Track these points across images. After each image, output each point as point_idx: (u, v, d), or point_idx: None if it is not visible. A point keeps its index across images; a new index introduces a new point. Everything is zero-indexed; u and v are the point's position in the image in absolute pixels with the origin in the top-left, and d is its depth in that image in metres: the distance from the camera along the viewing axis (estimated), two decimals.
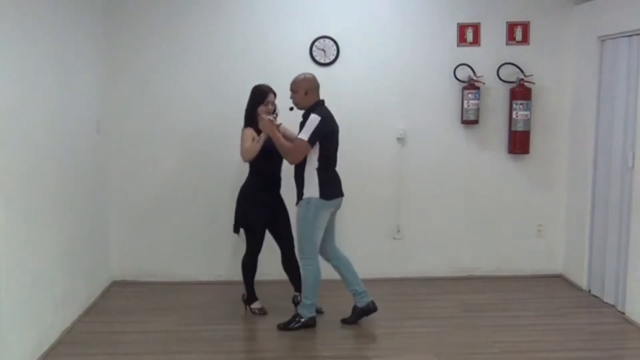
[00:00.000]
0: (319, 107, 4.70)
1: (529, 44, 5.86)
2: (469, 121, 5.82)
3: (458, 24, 5.84)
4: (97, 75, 5.54)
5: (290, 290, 5.20)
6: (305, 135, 4.56)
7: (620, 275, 5.11)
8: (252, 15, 5.78)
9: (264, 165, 4.95)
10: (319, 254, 4.83)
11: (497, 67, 5.81)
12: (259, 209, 5.03)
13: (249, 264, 5.16)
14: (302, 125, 4.68)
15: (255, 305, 5.19)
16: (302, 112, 4.80)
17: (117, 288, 5.82)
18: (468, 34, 5.84)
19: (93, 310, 5.24)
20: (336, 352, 4.50)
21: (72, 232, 4.96)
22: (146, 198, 5.92)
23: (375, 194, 5.97)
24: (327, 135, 4.64)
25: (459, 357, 4.47)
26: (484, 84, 5.79)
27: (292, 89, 4.79)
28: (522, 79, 5.76)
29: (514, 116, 5.77)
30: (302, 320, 4.80)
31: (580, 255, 5.71)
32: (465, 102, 5.77)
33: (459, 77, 5.82)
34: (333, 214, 4.85)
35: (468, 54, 5.83)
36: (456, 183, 6.00)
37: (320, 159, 4.66)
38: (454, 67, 5.79)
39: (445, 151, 5.95)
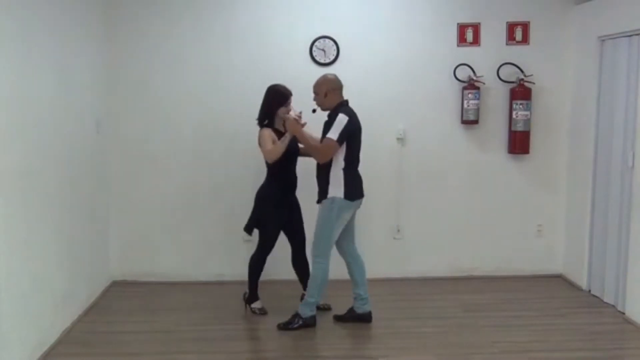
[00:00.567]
0: (343, 107, 4.70)
1: (529, 44, 5.86)
2: (469, 121, 5.83)
3: (458, 24, 5.84)
4: (97, 75, 5.54)
5: (296, 290, 5.19)
6: (334, 134, 4.57)
7: (620, 275, 5.11)
8: (252, 15, 5.78)
9: (284, 166, 4.93)
10: (334, 249, 4.85)
11: (497, 67, 5.81)
12: (278, 210, 5.02)
13: (258, 264, 5.15)
14: (326, 125, 4.68)
15: (256, 305, 5.20)
16: (323, 113, 4.79)
17: (117, 288, 5.82)
18: (468, 34, 5.84)
19: (93, 310, 5.24)
20: (336, 352, 4.50)
21: (72, 232, 4.96)
22: (146, 198, 5.92)
23: (375, 194, 5.95)
24: (353, 135, 4.65)
25: (459, 357, 4.47)
26: (484, 84, 5.79)
27: (314, 91, 4.79)
28: (522, 79, 5.76)
29: (514, 116, 5.77)
30: (303, 319, 4.80)
31: (580, 255, 5.71)
32: (465, 102, 5.77)
33: (459, 77, 5.82)
34: (353, 214, 4.85)
35: (468, 54, 5.83)
36: (456, 183, 6.00)
37: (346, 159, 4.66)
38: (454, 67, 5.79)
39: (445, 151, 5.95)
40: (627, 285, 5.00)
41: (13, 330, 3.97)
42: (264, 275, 5.28)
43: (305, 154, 4.94)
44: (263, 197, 5.07)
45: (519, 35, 5.85)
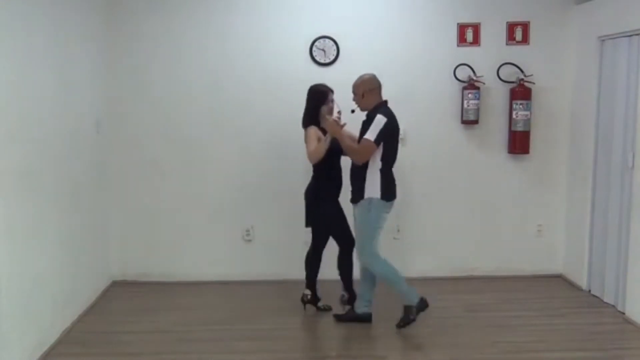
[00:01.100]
0: (382, 107, 4.68)
1: (529, 44, 5.86)
2: (469, 121, 5.82)
3: (458, 24, 5.84)
4: (97, 75, 5.54)
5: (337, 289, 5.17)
6: (371, 135, 4.55)
7: (620, 275, 5.11)
8: (253, 15, 5.78)
9: (329, 164, 4.91)
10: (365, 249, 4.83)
11: (497, 67, 5.81)
12: (330, 207, 5.00)
13: (315, 262, 5.14)
14: (364, 125, 4.66)
15: (320, 303, 5.16)
16: (363, 113, 4.79)
17: (117, 288, 5.82)
18: (468, 34, 5.84)
19: (93, 310, 5.24)
20: (336, 352, 4.49)
21: (72, 232, 4.96)
22: (146, 198, 5.92)
23: None
24: (391, 136, 4.63)
25: (459, 357, 4.47)
26: (484, 84, 5.79)
27: (353, 92, 4.79)
28: (522, 79, 5.76)
29: (514, 116, 5.77)
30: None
31: (580, 255, 5.71)
32: (465, 102, 5.77)
33: (459, 77, 5.82)
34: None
35: (468, 54, 5.83)
36: (456, 183, 6.00)
37: (383, 159, 4.64)
38: (454, 67, 5.79)
39: (445, 151, 5.95)
40: (627, 285, 5.00)
41: (13, 330, 3.97)
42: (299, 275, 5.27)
43: (345, 153, 4.91)
44: (311, 196, 5.06)
45: (519, 35, 5.85)
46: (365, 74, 4.83)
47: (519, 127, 5.77)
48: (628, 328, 4.87)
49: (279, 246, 5.98)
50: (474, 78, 5.76)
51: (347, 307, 5.08)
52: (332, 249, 5.14)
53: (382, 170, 4.65)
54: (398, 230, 6.01)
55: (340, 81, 5.77)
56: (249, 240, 6.00)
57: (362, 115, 4.77)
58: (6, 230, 3.88)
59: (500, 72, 5.82)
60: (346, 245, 5.06)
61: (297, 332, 4.79)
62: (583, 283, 5.69)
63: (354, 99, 4.79)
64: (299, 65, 5.79)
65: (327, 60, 5.81)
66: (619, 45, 5.16)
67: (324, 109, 4.94)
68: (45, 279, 4.45)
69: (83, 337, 4.71)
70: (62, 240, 4.75)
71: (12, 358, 3.94)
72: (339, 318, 4.97)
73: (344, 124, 4.82)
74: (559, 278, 6.03)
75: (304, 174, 5.92)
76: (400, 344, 4.62)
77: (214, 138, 5.88)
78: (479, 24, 5.84)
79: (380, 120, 4.56)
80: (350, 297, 5.11)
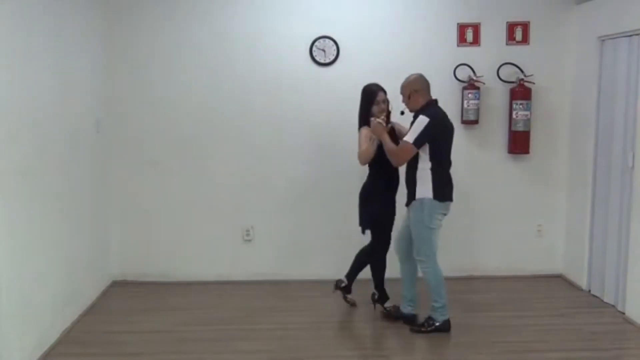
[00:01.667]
0: (428, 107, 4.63)
1: (529, 44, 5.86)
2: (469, 121, 5.82)
3: (458, 24, 5.84)
4: (97, 75, 5.53)
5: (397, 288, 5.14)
6: (411, 137, 4.51)
7: (620, 275, 5.11)
8: (253, 15, 5.78)
9: (383, 163, 4.85)
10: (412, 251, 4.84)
11: (497, 67, 5.81)
12: (387, 206, 4.98)
13: (380, 264, 5.11)
14: (411, 125, 4.63)
15: (388, 304, 5.12)
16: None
17: (117, 288, 5.82)
18: (468, 34, 5.84)
19: (93, 310, 5.24)
20: (336, 352, 4.50)
21: (72, 232, 4.96)
22: (146, 198, 5.92)
23: None
24: (436, 136, 4.56)
25: (459, 357, 4.47)
26: (484, 84, 5.79)
27: (400, 93, 4.75)
28: (522, 79, 5.76)
29: (514, 116, 5.77)
30: (436, 324, 4.71)
31: (580, 255, 5.71)
32: (465, 102, 5.77)
33: (459, 77, 5.82)
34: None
35: (468, 54, 5.82)
36: (456, 183, 5.96)
37: (432, 159, 4.57)
38: (454, 67, 5.79)
39: None
40: (627, 285, 5.00)
41: (13, 330, 3.97)
42: (361, 273, 5.26)
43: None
44: (366, 196, 5.05)
45: (519, 35, 5.85)
46: (411, 75, 4.79)
47: (519, 127, 5.77)
48: (628, 328, 4.87)
49: (279, 246, 5.98)
50: (474, 78, 5.76)
51: (377, 306, 5.09)
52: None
53: (432, 170, 4.57)
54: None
55: (340, 81, 5.82)
56: (249, 240, 6.00)
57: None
58: (6, 230, 3.88)
59: (500, 72, 5.82)
60: (379, 245, 5.05)
61: (297, 332, 4.79)
62: (583, 283, 5.69)
63: (402, 100, 4.76)
64: (299, 65, 5.80)
65: (327, 60, 5.81)
66: (619, 45, 5.16)
67: (374, 109, 4.92)
68: (45, 279, 4.44)
69: (83, 337, 4.71)
70: (62, 240, 4.75)
71: (12, 358, 3.94)
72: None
73: (390, 125, 4.80)
74: (559, 278, 6.03)
75: (304, 174, 5.94)
76: (401, 344, 4.62)
77: (214, 138, 5.88)
78: (479, 24, 5.84)
79: (421, 121, 4.51)
80: (380, 296, 5.11)
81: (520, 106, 5.75)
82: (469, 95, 5.74)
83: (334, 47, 5.80)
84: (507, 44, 5.86)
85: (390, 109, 4.92)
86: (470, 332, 4.81)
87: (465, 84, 5.79)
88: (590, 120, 5.54)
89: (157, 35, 5.78)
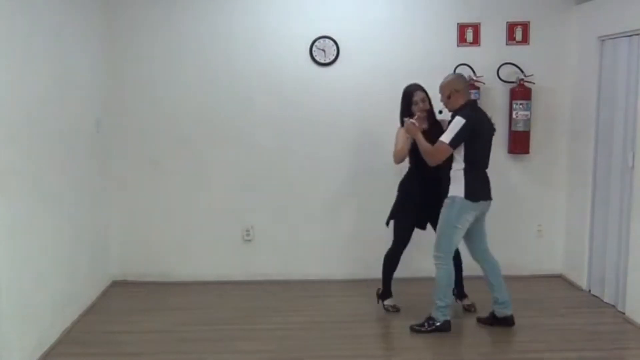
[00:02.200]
0: (466, 108, 4.62)
1: (529, 44, 5.86)
2: None
3: (458, 24, 5.84)
4: (97, 75, 5.54)
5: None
6: (446, 137, 4.51)
7: (620, 275, 5.11)
8: (253, 15, 5.78)
9: (419, 162, 4.86)
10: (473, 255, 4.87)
11: (497, 67, 5.81)
12: (412, 203, 4.98)
13: (391, 259, 5.12)
14: (448, 125, 4.63)
15: (388, 302, 5.14)
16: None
17: (117, 288, 5.82)
18: (468, 34, 5.84)
19: (93, 310, 5.24)
20: (336, 352, 4.50)
21: (72, 232, 4.96)
22: (146, 198, 5.92)
23: (375, 194, 5.96)
24: (472, 137, 4.55)
25: (459, 357, 4.47)
26: (484, 84, 5.78)
27: (439, 93, 4.76)
28: (522, 79, 5.76)
29: (514, 116, 5.77)
30: (437, 324, 4.71)
31: (580, 255, 5.71)
32: None
33: None
34: (481, 218, 4.75)
35: (468, 54, 5.82)
36: None
37: (466, 159, 4.57)
38: (454, 67, 5.78)
39: None
40: (627, 285, 5.00)
41: (13, 330, 3.97)
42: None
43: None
44: (401, 190, 5.08)
45: (519, 35, 5.85)
46: (450, 75, 4.83)
47: (519, 127, 5.77)
48: (628, 328, 4.87)
49: (279, 246, 5.98)
50: (474, 78, 5.75)
51: (381, 302, 5.11)
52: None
53: (466, 171, 4.57)
54: None
55: (340, 81, 5.82)
56: (249, 240, 6.00)
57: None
58: (6, 230, 3.88)
59: (500, 72, 5.82)
60: (394, 240, 5.07)
61: (297, 332, 4.79)
62: (583, 283, 5.69)
63: (441, 100, 4.76)
64: (299, 65, 5.80)
65: (327, 60, 5.81)
66: (619, 45, 5.16)
67: (414, 109, 4.93)
68: (45, 279, 4.44)
69: (83, 337, 4.71)
70: (62, 240, 4.75)
71: (12, 358, 3.94)
72: (481, 321, 4.91)
73: (425, 127, 4.81)
74: (559, 278, 6.03)
75: (304, 174, 5.94)
76: (401, 344, 4.62)
77: (214, 138, 5.87)
78: (479, 24, 5.84)
79: (458, 122, 4.51)
80: (383, 292, 5.15)
81: (520, 106, 5.75)
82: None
83: (334, 47, 5.80)
84: (507, 44, 5.86)
85: (426, 109, 4.92)
86: (471, 332, 4.81)
87: None
88: (590, 120, 5.54)
89: (157, 35, 5.78)
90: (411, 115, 4.89)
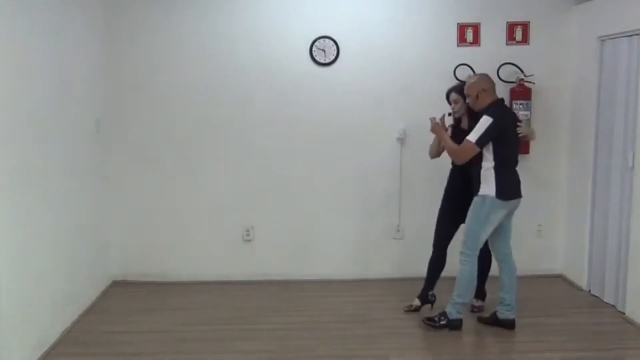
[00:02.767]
0: (493, 107, 4.64)
1: (529, 44, 5.86)
2: None
3: (458, 24, 5.84)
4: (97, 75, 5.53)
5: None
6: (473, 136, 4.54)
7: (620, 275, 5.11)
8: (253, 15, 5.78)
9: (453, 161, 4.93)
10: (492, 251, 4.87)
11: (497, 67, 5.81)
12: (447, 202, 5.01)
13: (431, 258, 5.12)
14: (475, 124, 4.64)
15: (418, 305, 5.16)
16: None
17: (117, 288, 5.82)
18: (468, 34, 5.84)
19: (93, 310, 5.24)
20: (336, 352, 4.50)
21: (72, 232, 4.96)
22: (146, 198, 5.92)
23: (375, 194, 5.98)
24: (500, 136, 4.57)
25: (459, 357, 4.47)
26: None
27: (466, 93, 4.78)
28: (522, 79, 5.76)
29: None
30: (448, 319, 4.72)
31: (580, 255, 5.71)
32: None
33: (459, 77, 5.80)
34: (509, 215, 4.76)
35: (468, 54, 5.82)
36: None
37: (496, 158, 4.59)
38: (454, 67, 5.78)
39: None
40: (627, 285, 5.00)
41: (13, 330, 3.97)
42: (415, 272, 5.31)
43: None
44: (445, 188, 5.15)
45: (519, 35, 5.85)
46: (475, 75, 4.91)
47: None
48: (628, 328, 4.87)
49: (279, 246, 5.98)
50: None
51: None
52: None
53: (496, 169, 4.59)
54: (398, 230, 6.01)
55: (340, 81, 5.81)
56: (249, 240, 6.00)
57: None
58: (6, 230, 3.88)
59: (500, 72, 5.82)
60: (435, 244, 5.07)
61: (297, 332, 4.79)
62: (583, 283, 5.69)
63: (468, 101, 4.78)
64: (299, 65, 5.79)
65: (327, 60, 5.81)
66: (619, 45, 5.16)
67: (451, 108, 4.99)
68: (45, 279, 4.44)
69: (83, 337, 4.71)
70: (62, 240, 4.75)
71: (12, 358, 3.94)
72: (482, 320, 4.92)
73: (447, 128, 4.88)
74: (559, 278, 6.03)
75: (304, 173, 5.94)
76: (401, 344, 4.62)
77: (214, 138, 5.87)
78: (479, 24, 5.84)
79: (485, 121, 4.53)
80: (421, 295, 5.16)
81: (520, 106, 5.75)
82: None
83: (334, 47, 5.80)
84: (507, 44, 5.86)
85: (457, 109, 4.94)
86: (471, 332, 4.80)
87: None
88: (590, 120, 5.54)
89: (157, 35, 5.78)
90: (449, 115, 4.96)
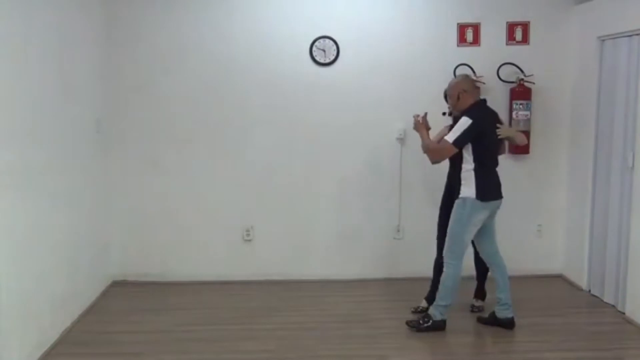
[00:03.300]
0: (474, 108, 4.64)
1: (529, 44, 5.86)
2: None
3: (458, 24, 5.84)
4: (97, 75, 5.53)
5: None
6: (451, 137, 4.54)
7: (620, 275, 5.11)
8: (253, 15, 5.78)
9: (451, 160, 4.85)
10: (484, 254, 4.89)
11: (497, 67, 5.81)
12: (447, 205, 4.96)
13: (435, 259, 5.10)
14: (454, 125, 4.65)
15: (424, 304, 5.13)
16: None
17: (117, 288, 5.82)
18: (468, 34, 5.84)
19: (93, 310, 5.24)
20: (336, 352, 4.50)
21: (72, 232, 4.96)
22: (146, 198, 5.92)
23: (375, 194, 5.98)
24: (480, 137, 4.56)
25: (459, 357, 4.47)
26: (484, 84, 5.77)
27: (448, 94, 4.81)
28: (522, 79, 5.76)
29: (514, 116, 5.77)
30: (433, 320, 4.73)
31: (580, 255, 5.71)
32: None
33: None
34: (492, 216, 4.76)
35: (468, 54, 5.83)
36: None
37: (476, 159, 4.59)
38: (454, 67, 5.79)
39: None
40: (627, 285, 5.00)
41: (13, 330, 3.97)
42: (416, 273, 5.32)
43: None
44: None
45: (519, 35, 5.85)
46: (458, 76, 4.94)
47: (519, 127, 5.76)
48: (628, 328, 4.87)
49: (279, 246, 5.98)
50: (474, 78, 5.74)
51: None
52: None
53: (476, 171, 4.59)
54: (398, 230, 6.01)
55: (340, 81, 5.82)
56: (249, 240, 6.00)
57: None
58: (6, 230, 3.88)
59: (500, 72, 5.82)
60: (439, 246, 5.03)
61: (297, 332, 4.79)
62: (583, 283, 5.69)
63: (450, 103, 4.79)
64: (299, 65, 5.80)
65: (327, 60, 5.81)
66: (619, 45, 5.16)
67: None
68: (45, 279, 4.44)
69: (83, 337, 4.71)
70: (62, 240, 4.74)
71: (12, 358, 3.94)
72: (481, 320, 4.93)
73: (429, 128, 4.86)
74: (559, 278, 6.03)
75: (304, 173, 5.94)
76: (400, 344, 4.62)
77: (214, 138, 5.87)
78: (479, 24, 5.84)
79: (464, 122, 4.53)
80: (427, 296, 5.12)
81: (520, 106, 5.75)
82: None
83: (334, 47, 5.80)
84: (507, 44, 5.86)
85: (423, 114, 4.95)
86: (471, 332, 4.81)
87: None
88: (590, 120, 5.54)
89: (157, 35, 5.78)
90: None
